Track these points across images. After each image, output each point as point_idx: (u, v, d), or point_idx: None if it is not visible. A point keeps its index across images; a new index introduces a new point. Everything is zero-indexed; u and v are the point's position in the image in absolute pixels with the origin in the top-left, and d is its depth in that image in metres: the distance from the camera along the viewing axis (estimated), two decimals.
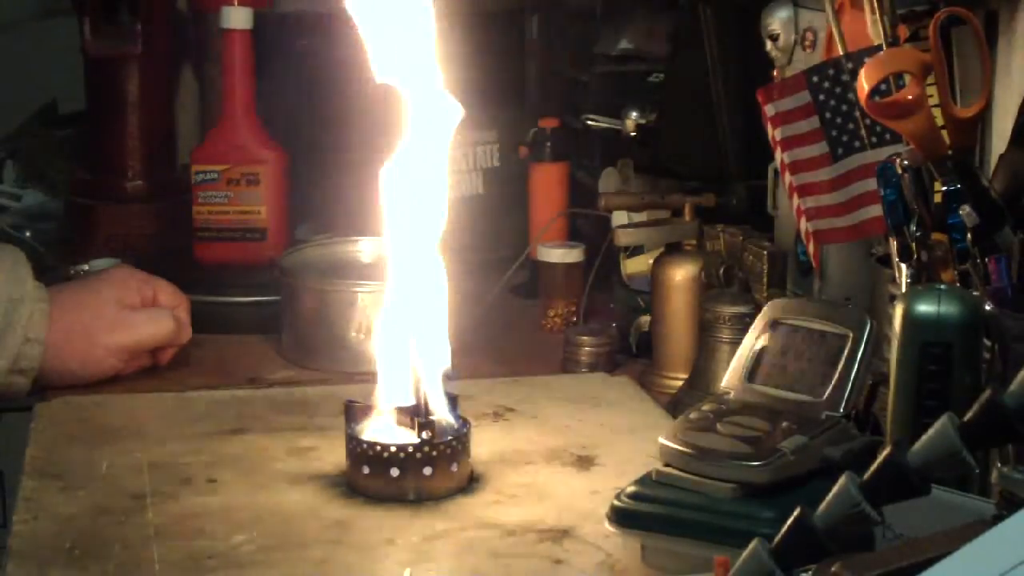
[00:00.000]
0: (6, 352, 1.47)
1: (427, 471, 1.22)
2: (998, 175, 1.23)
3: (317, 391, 1.49)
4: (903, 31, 1.27)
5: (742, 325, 1.36)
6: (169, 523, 1.17)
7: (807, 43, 1.46)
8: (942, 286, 1.10)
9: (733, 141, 1.70)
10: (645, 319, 1.61)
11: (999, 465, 0.84)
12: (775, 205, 1.58)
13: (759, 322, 1.17)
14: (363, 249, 1.70)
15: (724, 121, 1.70)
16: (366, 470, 1.23)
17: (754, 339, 1.16)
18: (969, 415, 0.79)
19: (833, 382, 1.11)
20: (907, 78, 1.17)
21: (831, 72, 1.33)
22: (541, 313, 1.76)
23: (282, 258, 1.67)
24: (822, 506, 0.80)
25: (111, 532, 1.15)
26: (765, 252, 1.50)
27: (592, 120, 1.89)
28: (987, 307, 1.09)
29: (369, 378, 1.29)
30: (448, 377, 1.26)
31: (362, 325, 1.56)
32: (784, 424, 1.09)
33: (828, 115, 1.33)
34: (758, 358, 1.15)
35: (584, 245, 1.75)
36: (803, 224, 1.38)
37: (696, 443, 1.07)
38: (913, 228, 1.17)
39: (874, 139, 1.31)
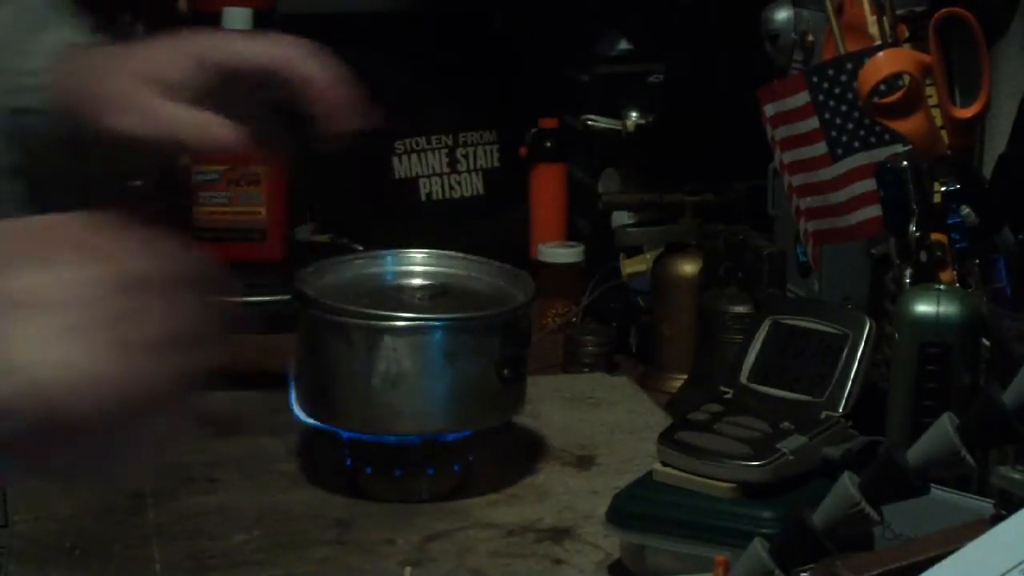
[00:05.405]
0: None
1: (428, 471, 1.22)
2: (997, 175, 1.24)
3: None
4: (902, 31, 1.27)
5: (742, 325, 1.36)
6: (170, 522, 1.17)
7: (807, 43, 1.46)
8: (941, 286, 1.10)
9: (733, 141, 1.70)
10: (645, 319, 1.61)
11: (998, 465, 0.84)
12: (775, 205, 1.58)
13: (759, 322, 1.17)
14: (388, 266, 1.33)
15: (724, 121, 1.70)
16: (367, 470, 1.23)
17: (754, 339, 1.16)
18: (968, 415, 0.79)
19: (832, 382, 1.11)
20: (906, 78, 1.17)
21: (830, 72, 1.33)
22: (541, 313, 1.76)
23: (301, 280, 1.26)
24: (821, 506, 0.80)
25: (112, 532, 1.15)
26: (765, 252, 1.50)
27: (592, 120, 1.89)
28: (986, 307, 1.09)
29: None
30: None
31: (389, 372, 1.19)
32: (783, 424, 1.09)
33: (828, 115, 1.33)
34: (758, 358, 1.15)
35: (584, 245, 1.75)
36: (803, 224, 1.38)
37: (696, 443, 1.07)
38: (912, 228, 1.17)
39: (873, 139, 1.31)
